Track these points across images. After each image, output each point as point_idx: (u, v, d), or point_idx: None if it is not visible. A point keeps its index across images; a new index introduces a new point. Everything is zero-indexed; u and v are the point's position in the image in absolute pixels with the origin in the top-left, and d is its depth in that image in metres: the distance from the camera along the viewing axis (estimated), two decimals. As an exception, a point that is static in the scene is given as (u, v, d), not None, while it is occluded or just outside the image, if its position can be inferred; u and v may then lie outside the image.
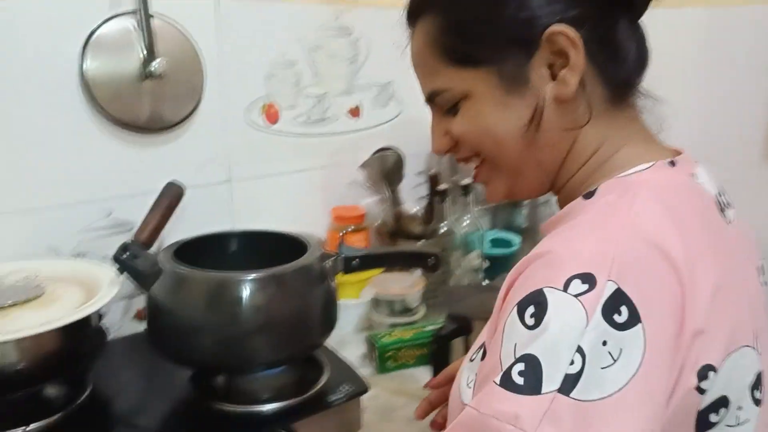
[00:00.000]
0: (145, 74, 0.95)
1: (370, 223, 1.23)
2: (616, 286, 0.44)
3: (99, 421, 0.78)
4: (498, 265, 1.27)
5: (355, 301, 1.13)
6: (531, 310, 0.45)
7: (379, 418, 0.90)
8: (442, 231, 1.18)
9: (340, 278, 0.88)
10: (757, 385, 0.51)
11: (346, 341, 1.08)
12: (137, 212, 0.94)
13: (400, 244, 1.22)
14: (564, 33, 0.52)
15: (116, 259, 0.78)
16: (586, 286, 0.44)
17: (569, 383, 0.42)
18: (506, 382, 0.43)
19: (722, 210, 0.56)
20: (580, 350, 0.42)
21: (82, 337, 0.78)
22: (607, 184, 0.54)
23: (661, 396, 0.44)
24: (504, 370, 0.44)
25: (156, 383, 0.85)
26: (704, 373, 0.46)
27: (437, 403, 0.77)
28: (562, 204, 0.59)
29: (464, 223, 1.21)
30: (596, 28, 0.53)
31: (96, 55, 0.92)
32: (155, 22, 0.96)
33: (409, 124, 1.31)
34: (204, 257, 0.85)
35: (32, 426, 0.73)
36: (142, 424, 0.78)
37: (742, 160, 1.30)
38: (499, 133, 0.56)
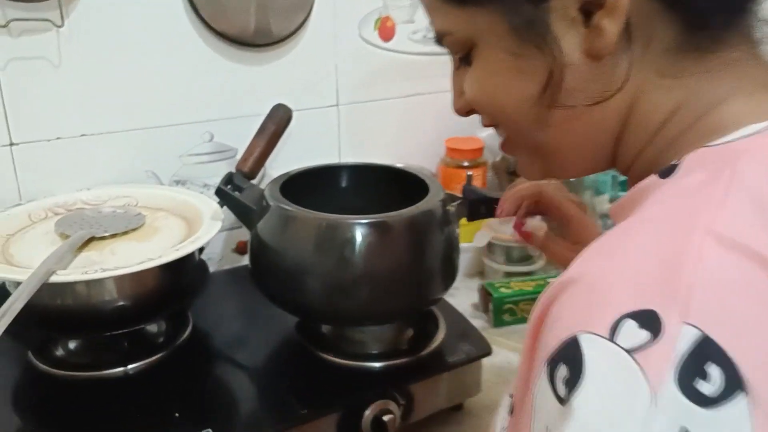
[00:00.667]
0: (252, -19, 0.84)
1: (487, 159, 1.10)
2: (698, 332, 0.28)
3: (200, 361, 0.72)
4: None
5: (467, 245, 1.02)
6: (563, 371, 0.30)
7: (497, 378, 0.80)
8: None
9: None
10: None
11: (456, 288, 0.98)
12: (241, 137, 0.86)
13: (517, 181, 1.09)
14: None
15: (219, 191, 0.70)
16: (645, 334, 0.28)
17: None
18: None
19: None
20: None
21: (183, 274, 0.72)
22: (694, 155, 0.37)
23: None
24: None
25: (258, 323, 0.78)
26: None
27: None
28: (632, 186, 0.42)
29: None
30: None
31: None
32: None
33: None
34: (311, 193, 0.76)
35: (132, 365, 0.69)
36: (244, 365, 0.72)
37: None
38: (509, 101, 0.42)
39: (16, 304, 0.54)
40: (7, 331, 0.52)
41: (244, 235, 0.93)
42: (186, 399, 0.65)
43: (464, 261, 1.03)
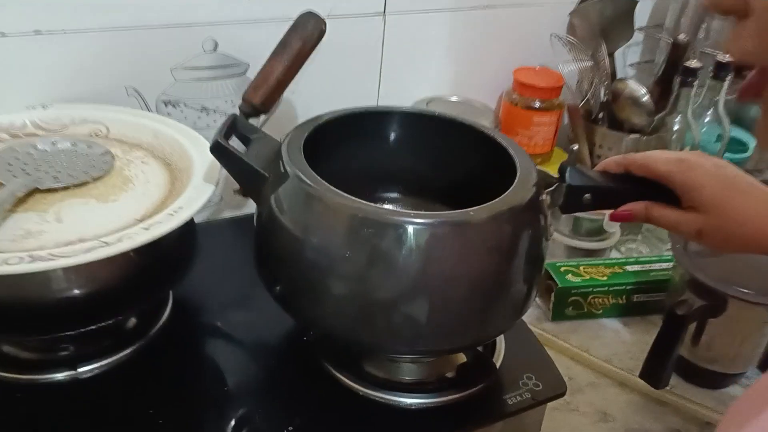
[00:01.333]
0: None
1: (564, 100, 0.87)
2: None
3: (180, 359, 0.55)
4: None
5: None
6: None
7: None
8: (676, 127, 0.81)
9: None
10: None
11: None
12: (254, 48, 0.63)
13: (597, 133, 0.86)
14: None
15: (217, 147, 0.49)
16: None
17: None
18: None
19: None
20: None
21: (156, 255, 0.52)
22: None
23: None
24: None
25: (262, 304, 0.56)
26: None
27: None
28: None
29: (705, 119, 0.83)
30: None
31: None
32: None
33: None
34: (344, 144, 0.55)
35: (85, 367, 0.51)
36: (236, 368, 0.55)
37: None
38: None
39: None
40: None
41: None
42: (157, 411, 0.48)
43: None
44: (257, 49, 0.61)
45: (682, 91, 0.79)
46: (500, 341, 0.57)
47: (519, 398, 0.53)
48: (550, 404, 0.55)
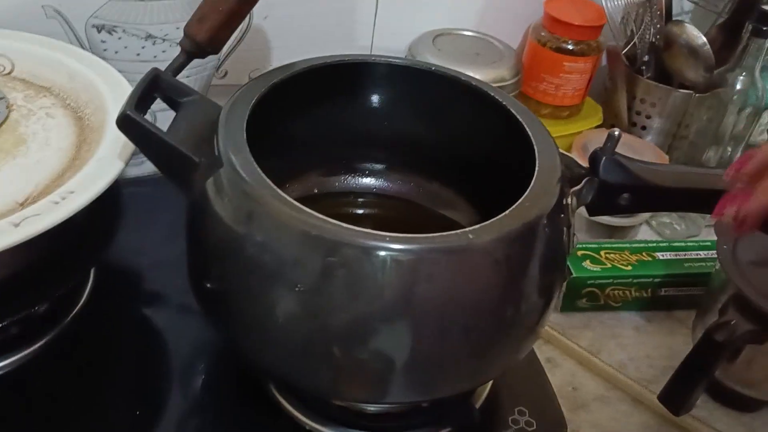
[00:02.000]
0: None
1: (604, 42, 0.71)
2: None
3: (96, 358, 0.45)
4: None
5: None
6: None
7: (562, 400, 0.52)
8: (738, 86, 0.65)
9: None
10: None
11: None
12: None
13: (640, 84, 0.71)
14: None
15: (125, 120, 0.36)
16: None
17: None
18: None
19: None
20: None
21: (62, 236, 0.41)
22: None
23: None
24: None
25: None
26: None
27: None
28: None
29: (770, 78, 0.67)
30: None
31: None
32: None
33: None
34: (316, 106, 0.43)
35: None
36: (160, 378, 0.45)
37: None
38: None
39: None
40: None
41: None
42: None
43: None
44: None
45: (753, 42, 0.63)
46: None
47: (511, 439, 0.42)
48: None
